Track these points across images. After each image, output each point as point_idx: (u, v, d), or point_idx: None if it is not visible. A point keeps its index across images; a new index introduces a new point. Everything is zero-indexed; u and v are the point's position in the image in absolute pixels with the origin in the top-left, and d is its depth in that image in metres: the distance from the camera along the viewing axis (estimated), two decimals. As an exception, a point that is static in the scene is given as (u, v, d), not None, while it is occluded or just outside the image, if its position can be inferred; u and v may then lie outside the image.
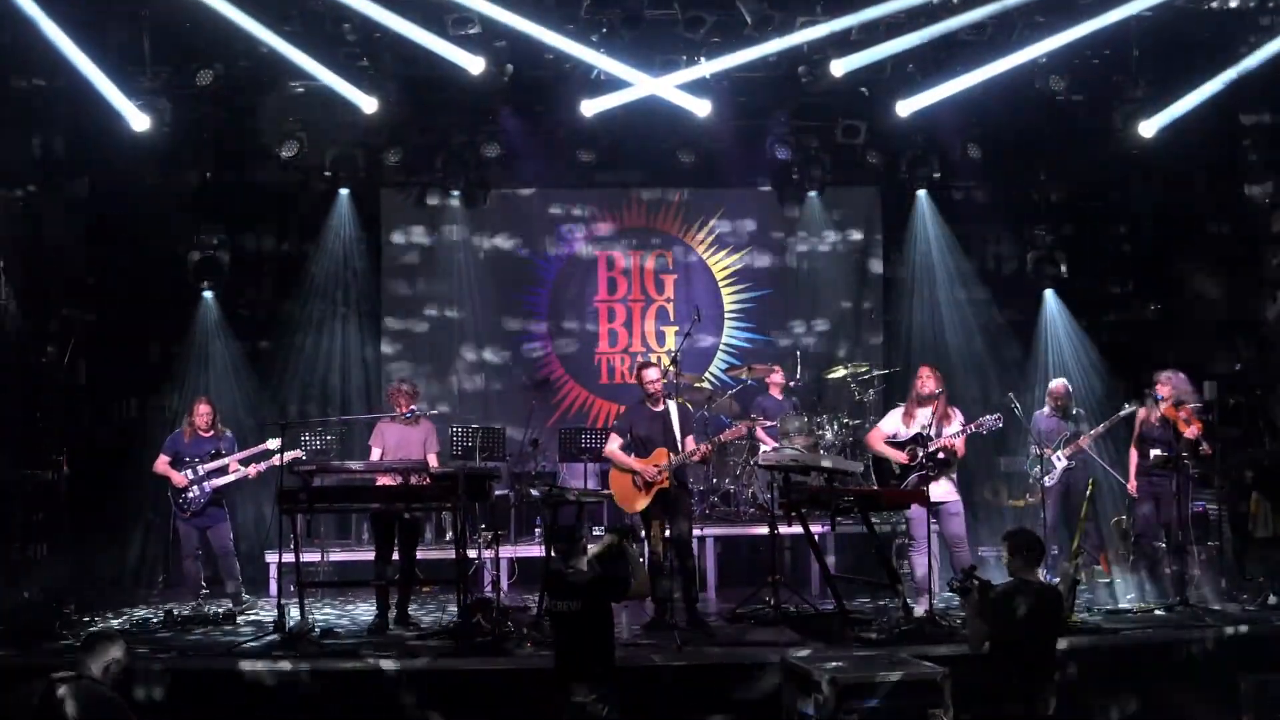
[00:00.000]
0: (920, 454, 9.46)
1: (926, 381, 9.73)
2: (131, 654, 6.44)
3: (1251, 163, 12.13)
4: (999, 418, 9.71)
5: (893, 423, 9.84)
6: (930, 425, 9.58)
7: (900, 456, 9.57)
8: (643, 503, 9.58)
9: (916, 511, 9.45)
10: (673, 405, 9.67)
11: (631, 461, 9.60)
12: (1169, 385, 9.98)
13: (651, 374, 9.71)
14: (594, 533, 10.36)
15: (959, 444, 9.53)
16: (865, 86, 12.15)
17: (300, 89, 11.74)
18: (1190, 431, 9.78)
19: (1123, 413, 10.64)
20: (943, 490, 9.53)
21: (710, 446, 9.42)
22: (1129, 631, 8.84)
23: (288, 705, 7.89)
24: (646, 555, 10.32)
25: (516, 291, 14.07)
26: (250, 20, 10.49)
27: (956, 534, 9.58)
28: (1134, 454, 10.30)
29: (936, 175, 13.34)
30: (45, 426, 11.50)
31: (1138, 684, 8.20)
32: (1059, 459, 10.86)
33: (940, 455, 9.46)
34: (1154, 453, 9.99)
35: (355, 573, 11.20)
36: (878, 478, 9.91)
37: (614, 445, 9.81)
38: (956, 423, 9.59)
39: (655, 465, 9.39)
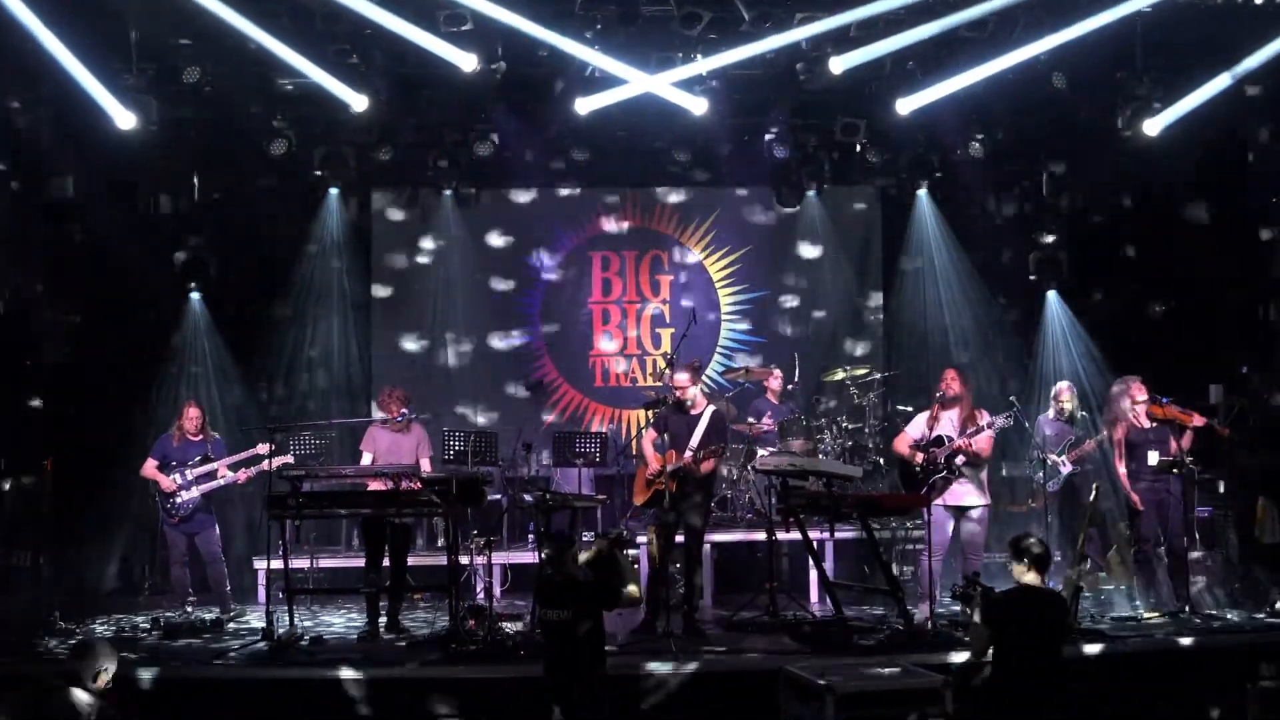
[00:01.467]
0: (940, 457, 9.48)
1: (951, 384, 9.74)
2: (120, 662, 6.46)
3: (1257, 162, 12.19)
4: (1010, 416, 9.74)
5: (918, 426, 9.87)
6: (933, 431, 9.62)
7: (915, 459, 9.62)
8: (640, 499, 9.70)
9: (932, 515, 9.47)
10: (708, 412, 9.65)
11: (649, 456, 9.68)
12: (1137, 387, 10.01)
13: (679, 378, 9.72)
14: (584, 538, 10.39)
15: (981, 445, 9.51)
16: (865, 84, 12.18)
17: (289, 86, 11.75)
18: (1197, 420, 9.82)
19: (1101, 438, 10.61)
20: (967, 495, 9.54)
21: (690, 458, 9.40)
22: (1133, 639, 8.87)
23: (277, 714, 7.92)
24: (644, 560, 10.38)
25: (510, 292, 14.09)
26: (238, 16, 10.49)
27: (971, 541, 9.58)
28: (1121, 467, 10.21)
29: (937, 174, 13.37)
30: (30, 431, 11.52)
31: (1142, 692, 8.24)
32: (1063, 464, 10.88)
33: (960, 459, 9.48)
34: (1153, 455, 9.95)
35: (345, 579, 11.22)
36: (903, 482, 9.97)
37: (646, 438, 9.89)
38: (979, 423, 9.59)
39: (658, 466, 9.43)
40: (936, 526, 9.51)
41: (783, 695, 7.47)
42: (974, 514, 9.59)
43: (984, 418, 9.62)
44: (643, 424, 10.40)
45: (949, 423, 9.64)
